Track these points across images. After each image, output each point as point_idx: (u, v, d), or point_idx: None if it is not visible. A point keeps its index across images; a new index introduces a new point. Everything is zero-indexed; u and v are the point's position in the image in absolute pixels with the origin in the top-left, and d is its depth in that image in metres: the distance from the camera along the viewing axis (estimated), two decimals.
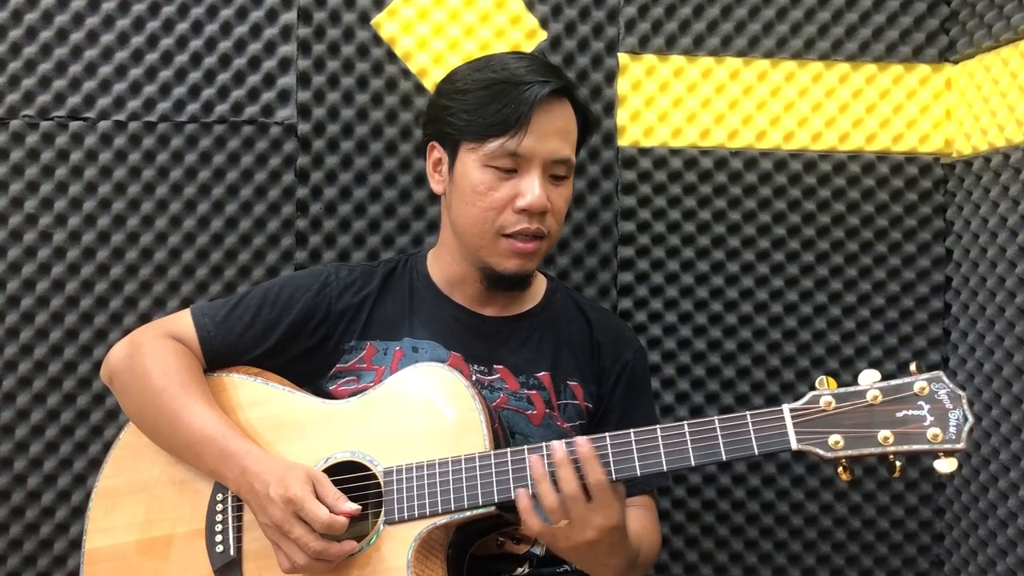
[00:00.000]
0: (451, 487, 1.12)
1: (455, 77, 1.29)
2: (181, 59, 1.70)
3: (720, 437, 1.05)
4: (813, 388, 1.05)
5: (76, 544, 1.67)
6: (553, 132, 1.23)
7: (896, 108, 1.79)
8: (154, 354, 1.25)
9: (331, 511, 1.09)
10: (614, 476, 1.07)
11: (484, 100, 1.22)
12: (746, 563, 1.78)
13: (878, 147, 1.79)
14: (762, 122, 1.78)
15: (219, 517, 1.19)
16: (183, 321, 1.30)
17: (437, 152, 1.30)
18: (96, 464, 1.26)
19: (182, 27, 1.70)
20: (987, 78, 1.69)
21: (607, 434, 1.10)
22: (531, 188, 1.22)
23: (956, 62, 1.79)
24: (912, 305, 1.80)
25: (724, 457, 1.05)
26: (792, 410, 1.04)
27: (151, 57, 1.70)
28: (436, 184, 1.33)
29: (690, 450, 1.05)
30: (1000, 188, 1.65)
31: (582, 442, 1.06)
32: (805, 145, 1.79)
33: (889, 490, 1.78)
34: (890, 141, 1.79)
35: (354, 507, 1.10)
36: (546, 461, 1.08)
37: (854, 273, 1.79)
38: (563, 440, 1.08)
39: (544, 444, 1.09)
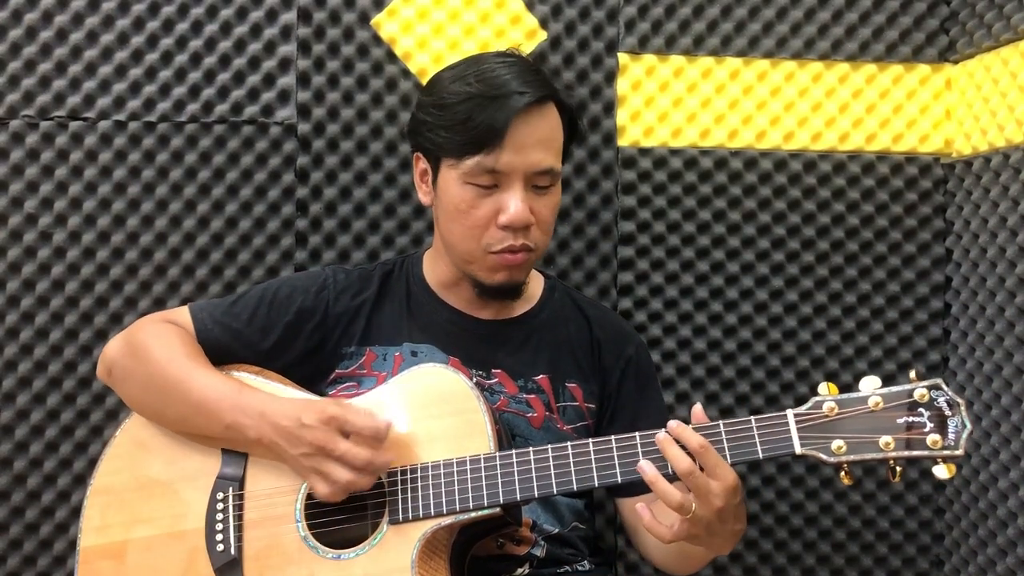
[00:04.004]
0: (456, 488, 1.12)
1: (434, 88, 1.26)
2: (181, 59, 1.70)
3: (725, 441, 1.06)
4: (814, 390, 1.07)
5: (75, 544, 1.66)
6: (534, 144, 1.19)
7: (896, 108, 1.79)
8: (154, 335, 1.25)
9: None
10: (619, 479, 1.09)
11: (461, 116, 1.19)
12: (746, 563, 1.78)
13: (878, 147, 1.79)
14: (762, 122, 1.78)
15: (219, 516, 1.19)
16: (181, 315, 1.31)
17: (422, 163, 1.29)
18: (96, 464, 1.26)
19: (182, 27, 1.70)
20: (987, 78, 1.69)
21: (612, 437, 1.10)
22: (512, 203, 1.19)
23: (956, 62, 1.79)
24: (912, 305, 1.80)
25: (729, 460, 1.06)
26: (796, 415, 1.06)
27: (151, 57, 1.70)
28: (424, 196, 1.31)
29: None
30: (1000, 188, 1.65)
31: (672, 422, 1.06)
32: (805, 145, 1.79)
33: (889, 490, 1.78)
34: (890, 141, 1.79)
35: (388, 420, 1.11)
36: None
37: (854, 273, 1.79)
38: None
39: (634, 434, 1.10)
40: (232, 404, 1.17)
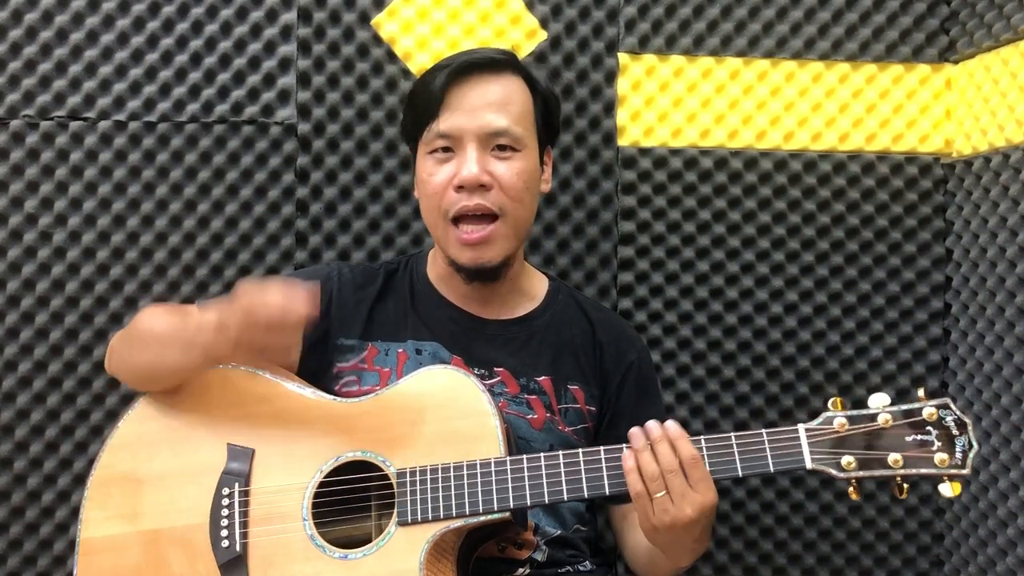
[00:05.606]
0: (466, 491, 1.12)
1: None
2: (181, 59, 1.70)
3: (736, 453, 1.07)
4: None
5: (75, 544, 1.66)
6: (484, 105, 1.22)
7: (896, 108, 1.79)
8: (147, 313, 1.26)
9: None
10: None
11: (417, 93, 1.26)
12: (746, 563, 1.78)
13: (878, 147, 1.79)
14: (762, 122, 1.78)
15: (225, 512, 1.18)
16: None
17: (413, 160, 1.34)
18: (96, 456, 1.25)
19: (182, 27, 1.70)
20: (987, 78, 1.69)
21: (624, 445, 1.10)
22: (463, 162, 1.22)
23: (956, 62, 1.79)
24: (912, 305, 1.80)
25: (740, 473, 1.07)
26: (808, 430, 1.07)
27: (151, 57, 1.70)
28: (415, 189, 1.34)
29: (707, 465, 1.07)
30: (1000, 188, 1.65)
31: (672, 423, 1.08)
32: (805, 145, 1.79)
33: (889, 491, 1.78)
34: (890, 141, 1.79)
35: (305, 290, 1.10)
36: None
37: (854, 273, 1.79)
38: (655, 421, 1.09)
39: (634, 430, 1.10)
40: (196, 325, 1.15)
